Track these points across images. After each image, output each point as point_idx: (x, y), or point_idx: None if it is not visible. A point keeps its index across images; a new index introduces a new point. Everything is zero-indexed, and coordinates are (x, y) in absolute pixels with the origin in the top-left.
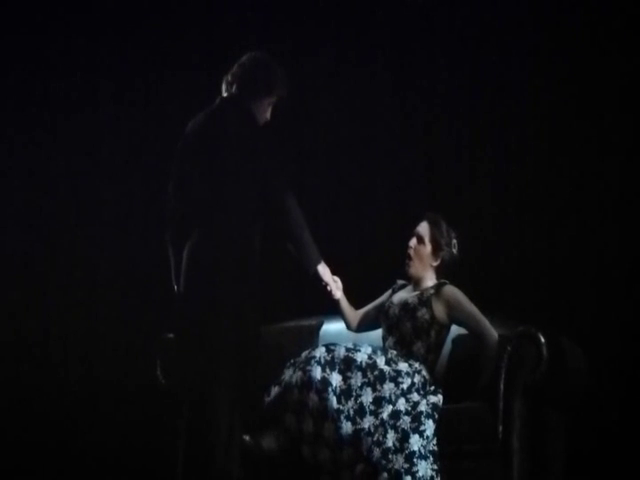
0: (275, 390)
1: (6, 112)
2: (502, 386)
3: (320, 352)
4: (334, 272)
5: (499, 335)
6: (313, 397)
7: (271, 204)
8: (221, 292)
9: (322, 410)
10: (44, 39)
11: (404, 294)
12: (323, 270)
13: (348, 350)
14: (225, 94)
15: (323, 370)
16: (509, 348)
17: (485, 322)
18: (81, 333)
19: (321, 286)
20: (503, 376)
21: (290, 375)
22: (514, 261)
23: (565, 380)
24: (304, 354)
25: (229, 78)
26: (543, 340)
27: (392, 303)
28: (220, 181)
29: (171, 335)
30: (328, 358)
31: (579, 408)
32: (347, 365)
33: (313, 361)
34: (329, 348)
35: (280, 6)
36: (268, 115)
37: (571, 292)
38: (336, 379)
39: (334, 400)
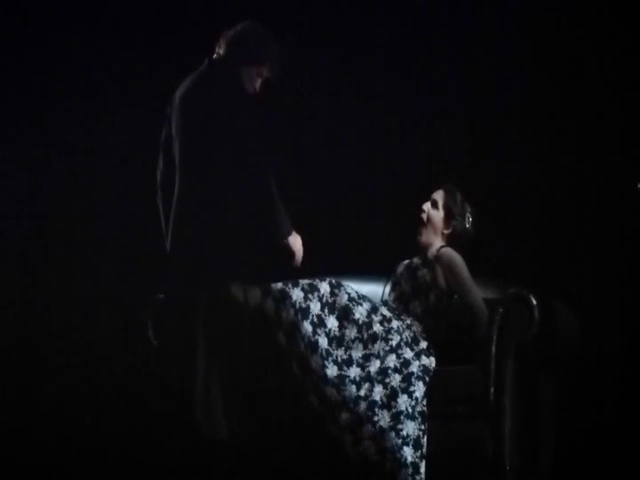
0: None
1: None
2: (494, 348)
3: (324, 289)
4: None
5: (491, 298)
6: (307, 327)
7: (245, 170)
8: (204, 253)
9: (313, 342)
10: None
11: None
12: (294, 240)
13: (350, 300)
14: (214, 56)
15: (322, 309)
16: (501, 310)
17: (476, 295)
18: (72, 295)
19: (289, 256)
20: (495, 338)
21: (292, 288)
22: (506, 223)
23: (556, 342)
24: (310, 280)
25: (221, 41)
26: (534, 302)
27: (401, 263)
28: (200, 145)
29: (162, 296)
30: (330, 300)
31: (570, 369)
32: (345, 315)
33: (316, 293)
34: (333, 291)
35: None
36: (257, 86)
37: (563, 254)
38: (332, 323)
39: (326, 340)
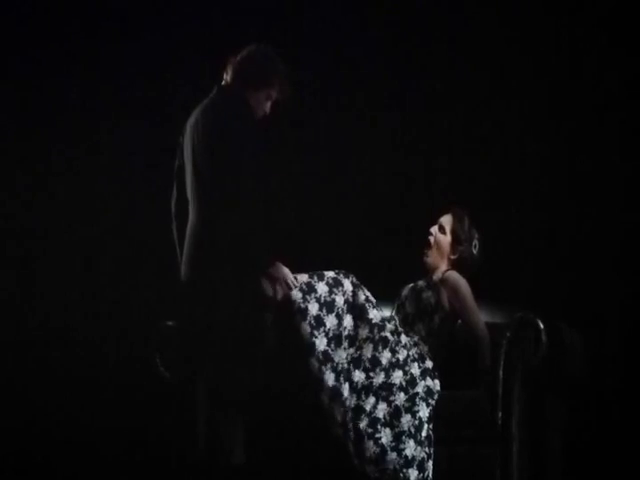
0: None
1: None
2: (501, 372)
3: (347, 286)
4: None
5: (498, 323)
6: (332, 319)
7: (232, 196)
8: (217, 280)
9: (337, 335)
10: (37, 34)
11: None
12: (275, 270)
13: (367, 301)
14: (222, 83)
15: (345, 303)
16: (508, 334)
17: (479, 321)
18: (81, 321)
19: (274, 287)
20: (502, 362)
21: (318, 281)
22: (512, 247)
23: (564, 365)
24: (335, 275)
25: (227, 67)
26: (542, 326)
27: (406, 286)
28: (209, 173)
29: (171, 323)
30: (350, 299)
31: (578, 393)
32: (360, 314)
33: (340, 288)
34: (355, 290)
35: (280, 6)
36: (267, 109)
37: (569, 278)
38: (348, 323)
39: (345, 337)
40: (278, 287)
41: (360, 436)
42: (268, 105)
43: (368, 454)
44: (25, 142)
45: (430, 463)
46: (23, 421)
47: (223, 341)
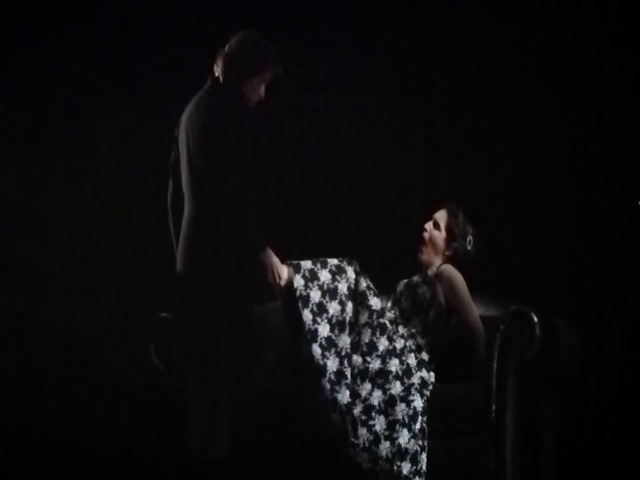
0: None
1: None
2: (495, 365)
3: (350, 273)
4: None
5: (492, 316)
6: (335, 306)
7: (225, 190)
8: (213, 273)
9: (340, 321)
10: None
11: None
12: (265, 256)
13: (369, 289)
14: (215, 74)
15: (348, 289)
16: (502, 327)
17: (475, 314)
18: (75, 311)
19: (263, 273)
20: (496, 355)
21: (321, 269)
22: (508, 241)
23: (558, 359)
24: (338, 262)
25: (218, 59)
26: (536, 319)
27: (401, 282)
28: (204, 165)
29: (165, 314)
30: (352, 287)
31: (572, 387)
32: (361, 300)
33: (343, 275)
34: (357, 278)
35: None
36: (261, 93)
37: (564, 271)
38: (349, 309)
39: (348, 323)
40: (266, 274)
41: (354, 423)
42: (262, 89)
43: (361, 441)
44: (21, 136)
45: (424, 456)
46: (19, 410)
47: (216, 333)
